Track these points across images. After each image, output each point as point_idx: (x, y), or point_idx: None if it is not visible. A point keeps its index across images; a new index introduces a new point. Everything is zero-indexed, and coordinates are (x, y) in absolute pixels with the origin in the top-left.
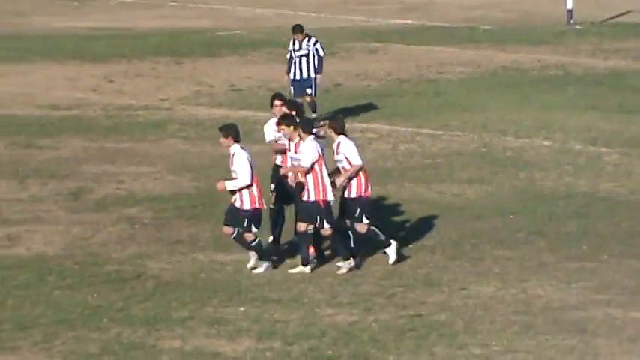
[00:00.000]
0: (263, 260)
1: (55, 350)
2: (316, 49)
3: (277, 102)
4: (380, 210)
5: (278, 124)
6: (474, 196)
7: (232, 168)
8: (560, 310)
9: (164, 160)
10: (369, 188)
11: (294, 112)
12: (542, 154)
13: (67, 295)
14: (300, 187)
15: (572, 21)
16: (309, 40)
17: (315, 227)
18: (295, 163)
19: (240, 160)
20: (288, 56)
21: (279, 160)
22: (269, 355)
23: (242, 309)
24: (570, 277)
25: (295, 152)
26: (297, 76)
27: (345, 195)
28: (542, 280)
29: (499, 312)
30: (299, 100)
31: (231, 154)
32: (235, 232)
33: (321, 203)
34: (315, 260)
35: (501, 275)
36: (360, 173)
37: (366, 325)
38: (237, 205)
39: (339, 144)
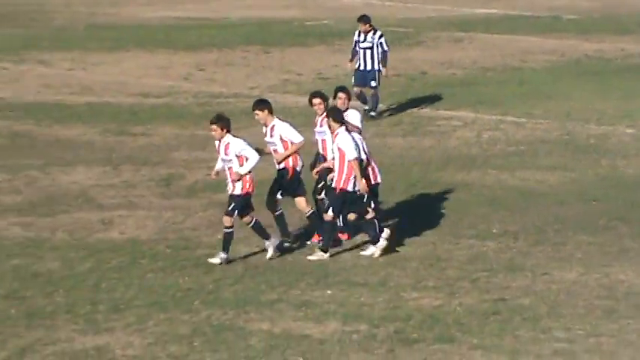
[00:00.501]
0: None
1: (148, 332)
2: (380, 43)
3: (341, 94)
4: (464, 196)
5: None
6: (557, 183)
7: (227, 157)
8: None
9: (252, 146)
10: (351, 183)
11: (321, 102)
12: (625, 142)
13: (159, 278)
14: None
15: None
16: (374, 33)
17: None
18: (271, 148)
19: (238, 144)
20: (353, 46)
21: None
22: (355, 337)
23: (329, 292)
24: None
25: (270, 137)
26: (362, 67)
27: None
28: (624, 265)
29: (582, 297)
30: (358, 90)
31: (225, 143)
32: (253, 221)
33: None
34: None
35: (584, 261)
36: (347, 167)
37: (450, 308)
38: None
39: (336, 135)
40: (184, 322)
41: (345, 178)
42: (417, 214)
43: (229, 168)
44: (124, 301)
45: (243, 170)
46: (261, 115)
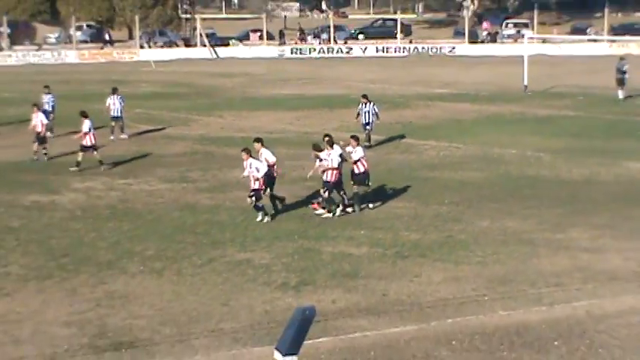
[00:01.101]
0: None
1: (272, 250)
2: (374, 108)
3: (327, 138)
4: (431, 183)
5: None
6: (478, 178)
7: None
8: None
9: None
10: (333, 175)
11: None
12: (511, 157)
13: (281, 223)
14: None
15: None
16: (370, 103)
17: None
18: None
19: (256, 162)
20: (359, 109)
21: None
22: (375, 255)
23: (362, 232)
24: None
25: (259, 160)
26: (364, 121)
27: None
28: (512, 219)
29: (490, 235)
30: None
31: (249, 162)
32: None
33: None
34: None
35: (491, 216)
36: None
37: (424, 240)
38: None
39: (328, 154)
40: (289, 247)
41: (331, 175)
42: (407, 192)
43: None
44: (260, 236)
45: (260, 174)
46: (256, 146)
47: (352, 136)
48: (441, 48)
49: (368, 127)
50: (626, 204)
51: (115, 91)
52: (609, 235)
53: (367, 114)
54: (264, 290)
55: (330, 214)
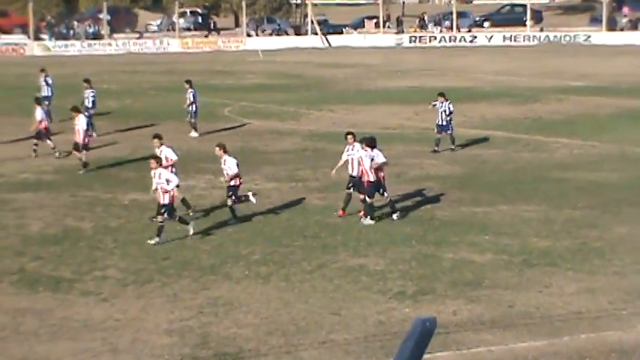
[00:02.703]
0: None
1: (386, 257)
2: (449, 106)
3: (349, 136)
4: (564, 184)
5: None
6: (615, 179)
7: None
8: None
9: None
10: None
11: (352, 137)
12: None
13: (393, 226)
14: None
15: None
16: (447, 101)
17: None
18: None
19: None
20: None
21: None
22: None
23: (486, 237)
24: None
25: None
26: (439, 122)
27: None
28: None
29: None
30: (439, 135)
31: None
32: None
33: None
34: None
35: None
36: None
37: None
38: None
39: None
40: (406, 252)
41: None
42: (536, 194)
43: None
44: (375, 240)
45: (171, 187)
46: (155, 143)
47: (364, 139)
48: (575, 36)
49: (448, 130)
50: None
51: (190, 83)
52: None
53: (443, 114)
54: (378, 299)
55: (373, 221)
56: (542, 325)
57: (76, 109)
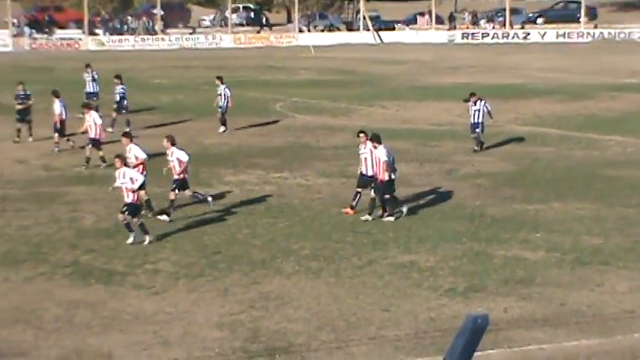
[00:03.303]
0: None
1: (437, 253)
2: (485, 106)
3: (362, 134)
4: (613, 182)
5: None
6: None
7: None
8: None
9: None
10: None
11: (364, 136)
12: None
13: (443, 222)
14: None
15: None
16: (481, 101)
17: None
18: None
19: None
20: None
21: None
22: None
23: (538, 234)
24: None
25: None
26: (472, 120)
27: None
28: None
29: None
30: (475, 135)
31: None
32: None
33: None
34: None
35: None
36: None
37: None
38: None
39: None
40: (457, 249)
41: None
42: (589, 192)
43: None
44: (425, 236)
45: (136, 186)
46: (123, 141)
47: (372, 136)
48: (630, 33)
49: (477, 129)
50: None
51: (220, 79)
52: None
53: (477, 113)
54: (429, 296)
55: (392, 218)
56: (594, 324)
57: (87, 105)
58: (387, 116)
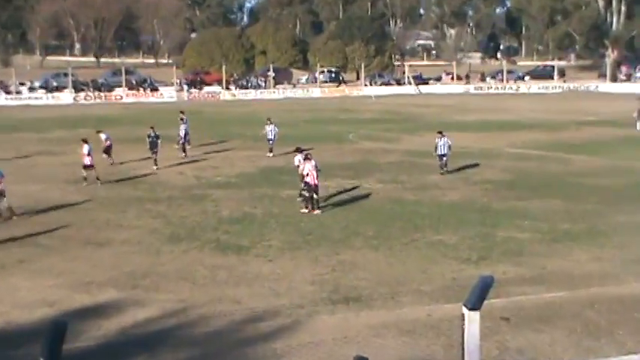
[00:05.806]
0: None
1: (457, 235)
2: None
3: (299, 154)
4: None
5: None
6: None
7: None
8: None
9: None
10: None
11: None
12: None
13: (461, 212)
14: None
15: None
16: None
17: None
18: None
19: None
20: None
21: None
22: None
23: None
24: None
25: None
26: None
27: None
28: None
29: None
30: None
31: None
32: None
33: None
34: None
35: None
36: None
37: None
38: None
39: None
40: (472, 231)
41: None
42: (560, 193)
43: None
44: (450, 223)
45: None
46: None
47: (307, 154)
48: (588, 86)
49: (444, 158)
50: None
51: (269, 120)
52: None
53: (442, 147)
54: (452, 263)
55: (306, 210)
56: (565, 282)
57: (84, 140)
58: (423, 142)
